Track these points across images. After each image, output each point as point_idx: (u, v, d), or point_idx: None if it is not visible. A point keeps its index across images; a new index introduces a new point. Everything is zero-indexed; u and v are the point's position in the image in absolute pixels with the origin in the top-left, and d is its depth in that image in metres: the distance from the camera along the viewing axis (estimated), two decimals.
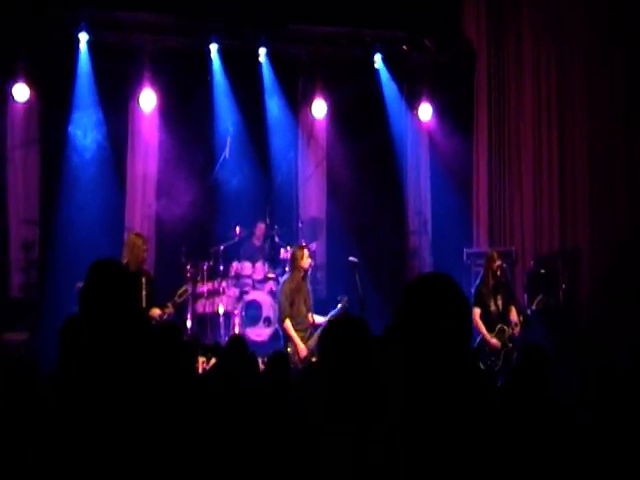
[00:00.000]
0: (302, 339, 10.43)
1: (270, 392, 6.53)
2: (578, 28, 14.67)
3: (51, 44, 13.07)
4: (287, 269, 11.21)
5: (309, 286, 10.82)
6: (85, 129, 13.36)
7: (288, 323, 10.42)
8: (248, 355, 7.62)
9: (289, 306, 10.49)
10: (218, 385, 6.67)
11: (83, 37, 13.28)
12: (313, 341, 10.39)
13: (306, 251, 10.75)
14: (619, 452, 4.53)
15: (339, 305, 10.62)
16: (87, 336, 3.80)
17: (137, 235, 10.67)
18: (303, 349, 10.33)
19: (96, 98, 13.42)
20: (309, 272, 10.87)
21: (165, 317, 9.96)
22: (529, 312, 11.30)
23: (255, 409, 5.83)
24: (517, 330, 10.83)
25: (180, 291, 10.47)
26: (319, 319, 10.57)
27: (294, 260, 10.72)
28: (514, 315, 10.95)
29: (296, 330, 10.47)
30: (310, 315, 10.64)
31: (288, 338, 10.45)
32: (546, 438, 4.82)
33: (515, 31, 14.77)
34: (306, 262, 10.64)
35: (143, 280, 10.22)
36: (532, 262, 13.82)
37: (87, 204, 13.14)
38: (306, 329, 10.56)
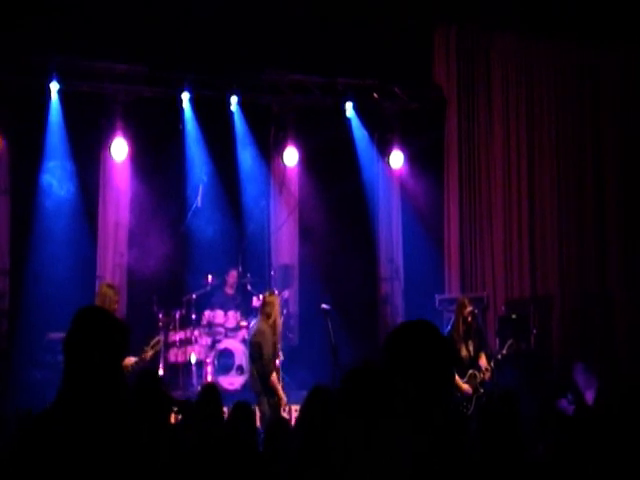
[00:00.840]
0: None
1: (237, 443, 6.49)
2: (548, 73, 14.93)
3: (22, 93, 13.04)
4: (259, 316, 10.80)
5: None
6: (56, 179, 13.28)
7: (274, 377, 10.23)
8: (220, 405, 7.61)
9: (273, 359, 10.37)
10: (189, 436, 6.64)
11: (54, 86, 13.23)
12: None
13: (278, 300, 10.83)
14: None
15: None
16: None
17: (109, 286, 10.62)
18: (285, 401, 10.30)
19: (67, 147, 13.36)
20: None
21: (138, 366, 9.88)
22: (500, 357, 11.30)
23: (225, 460, 5.80)
24: (488, 375, 10.90)
25: (153, 342, 10.39)
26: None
27: (272, 308, 10.49)
28: (484, 361, 11.03)
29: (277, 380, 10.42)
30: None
31: (272, 391, 10.20)
32: None
33: (485, 77, 14.99)
34: (280, 312, 10.70)
35: None
36: (503, 307, 13.93)
37: (58, 254, 13.03)
38: (279, 377, 10.55)
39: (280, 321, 10.66)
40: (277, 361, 10.57)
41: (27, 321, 12.35)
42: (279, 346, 10.67)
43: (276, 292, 11.54)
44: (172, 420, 8.39)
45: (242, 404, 7.37)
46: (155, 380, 6.05)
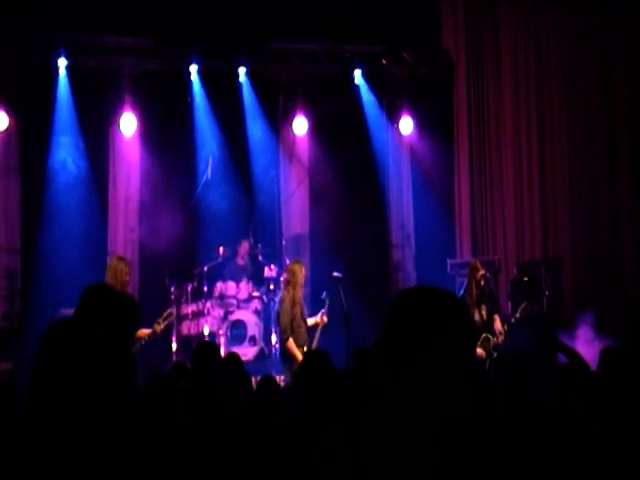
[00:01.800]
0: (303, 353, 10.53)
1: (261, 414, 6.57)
2: (556, 37, 14.80)
3: (29, 70, 13.08)
4: (282, 285, 11.24)
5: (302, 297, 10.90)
6: (66, 155, 13.37)
7: (291, 342, 10.47)
8: (241, 373, 7.69)
9: (290, 325, 10.55)
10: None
11: (62, 62, 13.30)
12: (315, 345, 10.50)
13: (304, 269, 10.86)
14: (607, 457, 4.54)
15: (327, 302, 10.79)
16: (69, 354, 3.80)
17: (119, 258, 10.68)
18: None
19: (76, 124, 13.43)
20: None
21: (150, 338, 9.98)
22: (513, 320, 11.33)
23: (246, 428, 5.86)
24: (501, 339, 10.94)
25: (165, 314, 10.46)
26: (310, 321, 10.75)
27: (293, 276, 10.75)
28: (498, 324, 11.07)
29: (299, 346, 10.53)
30: (306, 326, 10.75)
31: (291, 357, 10.42)
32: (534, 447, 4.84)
33: (493, 42, 14.90)
34: (303, 280, 10.74)
35: None
36: (515, 270, 13.92)
37: (69, 231, 13.11)
38: (305, 342, 10.63)
39: (300, 290, 10.75)
40: (303, 329, 10.66)
41: (39, 299, 12.43)
42: (303, 310, 10.75)
43: (299, 261, 11.51)
44: None
45: (268, 378, 7.44)
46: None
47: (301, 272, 10.75)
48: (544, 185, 14.49)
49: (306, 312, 10.82)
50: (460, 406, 2.48)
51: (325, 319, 10.73)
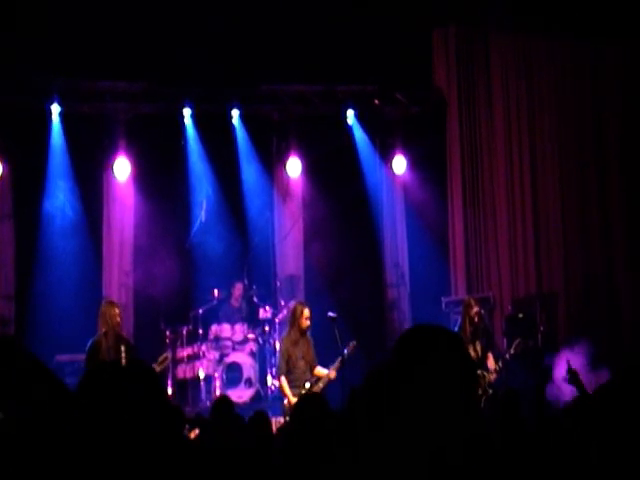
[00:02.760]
0: (298, 395, 10.49)
1: (254, 451, 6.57)
2: (548, 71, 14.89)
3: (22, 116, 13.15)
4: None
5: (310, 341, 10.81)
6: (60, 200, 13.41)
7: (283, 380, 10.55)
8: (234, 416, 7.71)
9: (285, 363, 10.57)
10: (206, 451, 6.68)
11: (55, 108, 13.41)
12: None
13: (306, 310, 10.76)
14: None
15: (345, 351, 10.58)
16: None
17: (108, 303, 10.78)
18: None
19: (70, 169, 13.50)
20: (308, 330, 10.84)
21: None
22: (508, 356, 11.32)
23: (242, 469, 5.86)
24: (494, 377, 10.92)
25: (160, 358, 10.48)
26: (321, 372, 10.66)
27: (293, 316, 10.80)
28: (491, 362, 11.07)
29: (293, 386, 10.51)
30: (312, 371, 10.70)
31: (283, 394, 10.60)
32: None
33: (485, 77, 15.00)
34: (304, 322, 10.68)
35: (122, 348, 10.27)
36: (510, 307, 13.94)
37: (63, 276, 13.15)
38: (303, 384, 10.60)
39: (299, 331, 10.71)
40: (309, 369, 10.65)
41: (34, 345, 12.21)
42: (307, 353, 10.71)
43: (302, 302, 11.45)
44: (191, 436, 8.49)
45: (259, 413, 7.42)
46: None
47: (302, 312, 10.74)
48: (537, 220, 14.54)
49: (313, 354, 10.76)
50: (456, 439, 2.50)
51: (333, 375, 10.62)
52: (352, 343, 10.75)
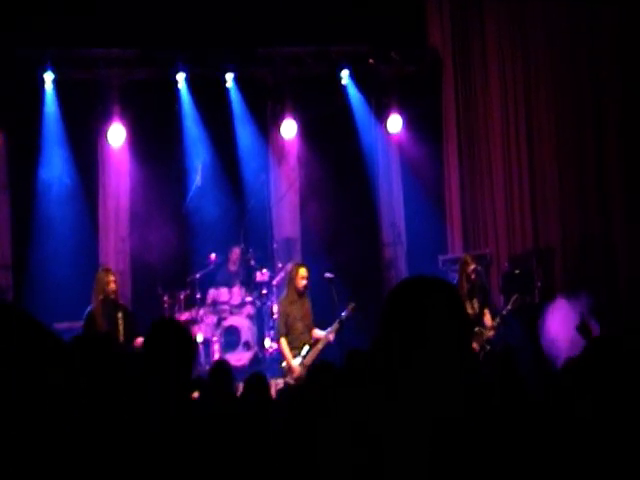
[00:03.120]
0: (297, 356, 10.58)
1: (250, 415, 6.63)
2: (542, 28, 14.77)
3: (16, 85, 13.12)
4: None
5: (309, 303, 10.87)
6: (54, 169, 13.42)
7: (283, 341, 10.63)
8: (232, 379, 7.80)
9: (284, 324, 10.63)
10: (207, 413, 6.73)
11: (48, 76, 13.36)
12: (309, 359, 10.50)
13: (302, 270, 10.82)
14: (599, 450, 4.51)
15: (343, 313, 10.66)
16: None
17: (104, 270, 10.83)
18: (296, 367, 10.46)
19: (64, 136, 13.49)
20: (306, 291, 10.90)
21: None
22: (505, 312, 11.36)
23: (239, 434, 5.91)
24: (492, 333, 10.97)
25: None
26: (320, 334, 10.71)
27: (289, 277, 10.92)
28: (488, 318, 11.14)
29: (292, 347, 10.59)
30: (309, 332, 10.74)
31: (283, 356, 10.67)
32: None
33: (480, 36, 14.88)
34: (300, 282, 10.73)
35: (120, 315, 10.33)
36: (506, 263, 13.96)
37: (60, 244, 13.15)
38: (302, 347, 10.66)
39: (296, 291, 10.76)
40: (308, 331, 10.74)
41: (32, 313, 12.45)
42: (305, 315, 10.80)
43: (299, 263, 11.54)
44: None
45: (256, 375, 7.47)
46: None
47: (295, 273, 10.79)
48: (533, 177, 14.49)
49: (311, 317, 10.84)
50: (455, 400, 2.52)
51: (332, 337, 10.67)
52: (351, 305, 10.78)
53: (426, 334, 2.51)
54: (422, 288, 2.62)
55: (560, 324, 10.97)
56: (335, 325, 10.61)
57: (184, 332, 4.24)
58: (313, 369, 6.99)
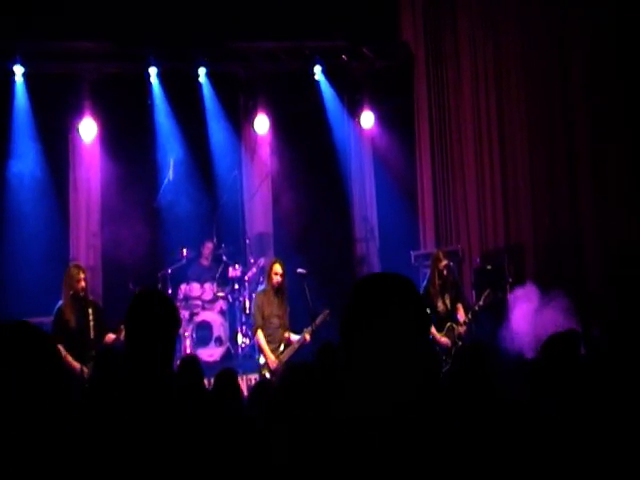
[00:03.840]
0: (273, 351, 10.57)
1: (219, 410, 6.62)
2: (514, 25, 14.82)
3: None
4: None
5: (285, 303, 10.89)
6: (25, 163, 13.29)
7: (259, 334, 10.65)
8: (201, 374, 7.78)
9: (260, 317, 10.64)
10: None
11: (19, 69, 13.24)
12: (285, 356, 10.50)
13: (276, 265, 10.82)
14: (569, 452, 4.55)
15: (317, 319, 10.63)
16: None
17: (74, 266, 10.74)
18: (273, 361, 10.48)
19: (35, 130, 13.36)
20: (284, 288, 10.89)
21: (115, 343, 9.99)
22: (477, 308, 11.41)
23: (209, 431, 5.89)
24: (464, 329, 11.02)
25: None
26: (293, 337, 10.72)
27: (267, 273, 10.93)
28: (461, 314, 11.19)
29: (268, 342, 10.59)
30: (284, 330, 10.75)
31: (260, 349, 10.68)
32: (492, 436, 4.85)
33: (452, 33, 14.94)
34: (273, 277, 10.74)
35: (90, 311, 10.24)
36: (478, 259, 14.03)
37: (30, 239, 13.00)
38: (279, 342, 10.67)
39: (273, 287, 10.77)
40: (283, 330, 10.75)
41: (3, 309, 12.36)
42: (281, 315, 10.82)
43: (276, 259, 11.48)
44: None
45: (226, 371, 7.47)
46: None
47: (269, 268, 10.82)
48: (505, 174, 14.55)
49: (286, 317, 10.86)
50: (409, 383, 2.58)
51: (307, 337, 10.64)
52: (325, 312, 10.76)
53: (383, 328, 2.60)
54: (382, 285, 2.71)
55: (524, 315, 11.08)
56: (310, 328, 10.62)
57: (167, 302, 4.20)
58: (289, 368, 6.97)
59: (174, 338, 4.12)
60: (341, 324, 2.71)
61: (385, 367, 2.57)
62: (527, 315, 11.23)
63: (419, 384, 2.59)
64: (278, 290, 10.78)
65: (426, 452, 2.53)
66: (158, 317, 4.01)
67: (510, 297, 11.71)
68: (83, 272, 10.37)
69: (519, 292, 11.73)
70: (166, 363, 4.03)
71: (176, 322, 4.16)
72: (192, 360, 8.05)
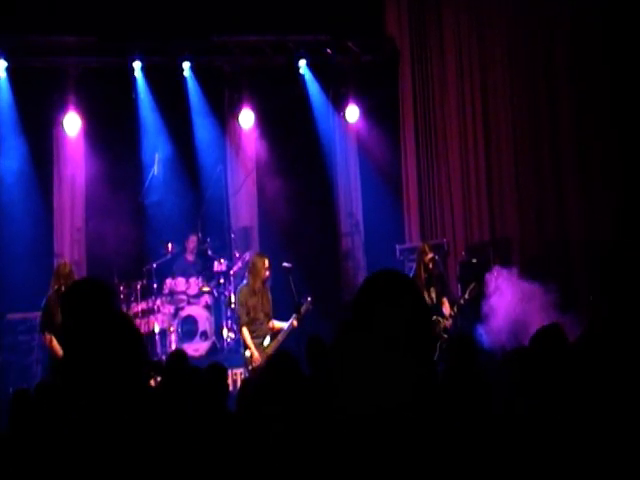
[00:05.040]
0: (259, 346, 10.56)
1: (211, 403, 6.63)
2: (499, 19, 14.84)
3: None
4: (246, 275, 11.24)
5: (269, 294, 10.89)
6: (8, 157, 13.23)
7: (245, 330, 10.63)
8: (189, 369, 7.76)
9: (245, 314, 10.62)
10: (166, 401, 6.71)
11: (2, 64, 13.22)
12: (271, 348, 10.50)
13: (267, 260, 10.81)
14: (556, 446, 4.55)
15: (302, 308, 10.64)
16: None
17: (66, 265, 10.70)
18: (257, 357, 10.46)
19: (18, 125, 13.30)
20: (268, 281, 10.92)
21: None
22: (462, 302, 11.42)
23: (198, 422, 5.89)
24: (449, 323, 11.04)
25: None
26: (279, 325, 10.70)
27: (254, 268, 10.83)
28: (447, 307, 11.21)
29: (254, 337, 10.58)
30: (269, 322, 10.73)
31: (245, 345, 10.67)
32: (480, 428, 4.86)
33: (437, 27, 14.96)
34: (265, 273, 10.72)
35: None
36: (464, 252, 14.04)
37: (14, 234, 12.94)
38: (264, 336, 10.66)
39: (260, 282, 10.74)
40: (268, 322, 10.74)
41: None
42: (265, 305, 10.79)
43: (261, 253, 11.45)
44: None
45: (215, 365, 7.46)
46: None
47: (261, 264, 10.78)
48: (490, 168, 14.58)
49: (270, 307, 10.83)
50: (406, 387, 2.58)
51: (295, 323, 10.67)
52: (309, 300, 10.78)
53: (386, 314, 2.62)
54: (382, 280, 2.73)
55: (503, 298, 11.11)
56: (295, 315, 10.62)
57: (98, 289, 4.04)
58: (274, 358, 6.97)
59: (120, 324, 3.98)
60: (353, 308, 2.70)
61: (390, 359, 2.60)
62: (506, 298, 11.29)
63: (420, 378, 2.63)
64: (263, 284, 10.79)
65: (425, 449, 2.54)
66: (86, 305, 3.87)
67: (490, 278, 11.70)
68: (70, 268, 10.33)
69: (500, 274, 11.75)
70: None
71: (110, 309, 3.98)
72: (179, 355, 8.04)
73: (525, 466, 3.75)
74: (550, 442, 4.11)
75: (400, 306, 2.64)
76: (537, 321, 9.79)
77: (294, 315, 10.63)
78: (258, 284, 10.73)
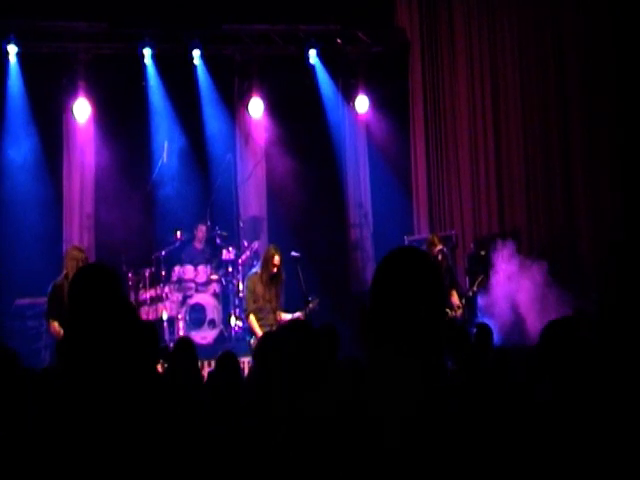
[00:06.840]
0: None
1: (221, 392, 6.63)
2: (509, 12, 14.81)
3: None
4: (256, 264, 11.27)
5: (279, 288, 10.75)
6: (18, 143, 13.24)
7: (252, 318, 10.59)
8: (196, 356, 7.79)
9: (253, 302, 10.59)
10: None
11: (12, 49, 13.16)
12: None
13: (277, 257, 10.62)
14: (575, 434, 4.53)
15: (309, 305, 10.62)
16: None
17: (77, 248, 10.63)
18: None
19: (29, 111, 13.30)
20: (280, 276, 10.76)
21: None
22: (470, 293, 11.43)
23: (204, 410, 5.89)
24: (459, 313, 11.04)
25: None
26: (285, 316, 10.66)
27: (265, 258, 10.75)
28: (455, 299, 11.20)
29: (260, 326, 10.55)
30: (276, 313, 10.71)
31: (252, 332, 10.62)
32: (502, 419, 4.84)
33: (447, 18, 14.94)
34: (271, 267, 10.62)
35: None
36: (472, 245, 14.01)
37: (24, 220, 12.97)
38: (270, 325, 10.62)
39: (268, 272, 10.66)
40: (275, 313, 10.66)
41: None
42: (273, 299, 10.71)
43: (274, 245, 11.33)
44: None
45: (227, 353, 7.46)
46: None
47: (271, 254, 10.69)
48: (500, 160, 14.57)
49: (279, 300, 10.75)
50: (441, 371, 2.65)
51: (302, 317, 10.65)
52: (315, 300, 10.74)
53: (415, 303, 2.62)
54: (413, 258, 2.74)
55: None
56: (303, 308, 10.61)
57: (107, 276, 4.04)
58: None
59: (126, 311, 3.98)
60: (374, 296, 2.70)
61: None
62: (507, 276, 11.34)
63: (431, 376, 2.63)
64: (273, 277, 10.71)
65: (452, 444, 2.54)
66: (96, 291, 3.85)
67: (494, 256, 11.70)
68: (83, 253, 10.27)
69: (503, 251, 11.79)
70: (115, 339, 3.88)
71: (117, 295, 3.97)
72: (187, 342, 8.06)
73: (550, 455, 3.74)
74: (577, 428, 4.10)
75: (419, 283, 2.65)
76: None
77: (302, 308, 10.62)
78: (265, 276, 10.68)
